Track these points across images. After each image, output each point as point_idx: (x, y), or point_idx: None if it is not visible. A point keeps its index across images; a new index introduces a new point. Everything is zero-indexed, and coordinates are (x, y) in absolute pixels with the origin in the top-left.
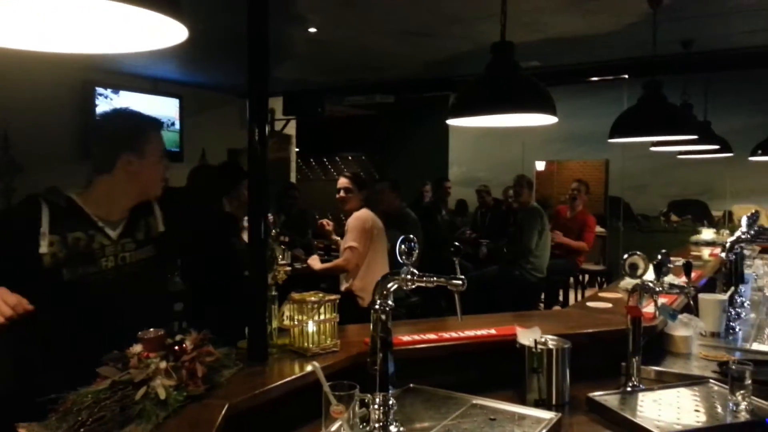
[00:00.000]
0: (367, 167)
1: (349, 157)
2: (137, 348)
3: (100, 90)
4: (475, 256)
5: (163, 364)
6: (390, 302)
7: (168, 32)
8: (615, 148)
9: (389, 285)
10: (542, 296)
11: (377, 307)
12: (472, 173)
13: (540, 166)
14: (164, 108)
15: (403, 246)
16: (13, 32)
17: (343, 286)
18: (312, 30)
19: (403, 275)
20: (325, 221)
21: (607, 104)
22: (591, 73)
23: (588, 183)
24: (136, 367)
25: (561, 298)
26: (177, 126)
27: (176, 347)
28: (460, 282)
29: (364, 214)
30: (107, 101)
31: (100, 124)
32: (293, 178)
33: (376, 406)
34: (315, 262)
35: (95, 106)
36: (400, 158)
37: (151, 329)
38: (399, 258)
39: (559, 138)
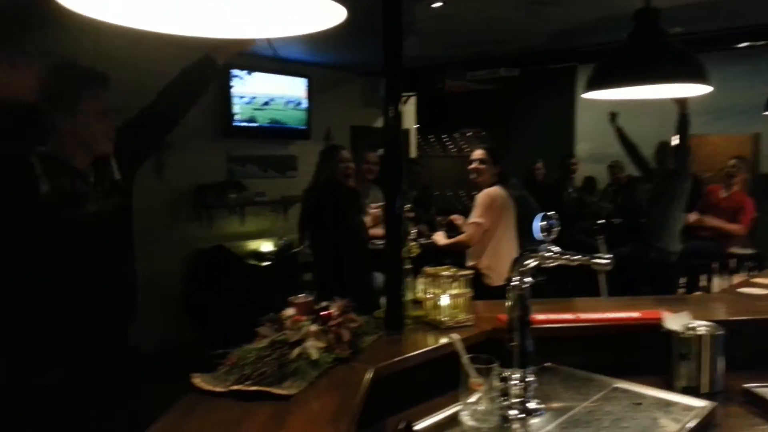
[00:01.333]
0: (487, 143)
1: (469, 134)
2: (290, 311)
3: (235, 72)
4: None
5: (313, 327)
6: (528, 279)
7: (328, 14)
8: (766, 120)
9: (528, 262)
10: (681, 280)
11: (515, 283)
12: (602, 149)
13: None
14: (293, 88)
15: (542, 223)
16: (180, 19)
17: (469, 263)
18: (436, 5)
19: (542, 252)
20: (455, 216)
21: (756, 73)
22: (738, 38)
23: (747, 159)
24: (291, 329)
25: (704, 283)
26: (304, 105)
27: (324, 312)
28: (606, 261)
29: (494, 191)
30: (241, 81)
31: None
32: (413, 155)
33: (514, 382)
34: (440, 237)
35: (231, 86)
36: (522, 134)
37: (301, 295)
38: (538, 235)
39: (700, 111)
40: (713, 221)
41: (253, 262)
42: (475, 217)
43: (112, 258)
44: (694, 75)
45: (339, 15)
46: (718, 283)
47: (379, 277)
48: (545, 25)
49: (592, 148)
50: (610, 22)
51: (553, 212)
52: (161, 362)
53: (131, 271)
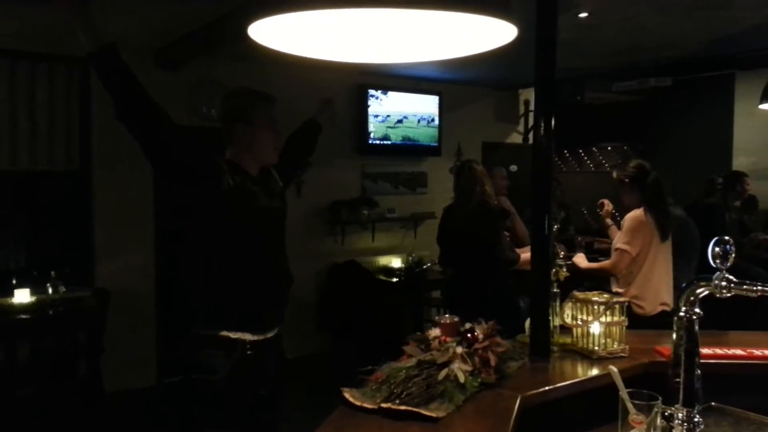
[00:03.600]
0: (629, 158)
1: (609, 148)
2: (436, 331)
3: (371, 92)
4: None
5: (459, 350)
6: (698, 310)
7: (500, 32)
8: None
9: (699, 291)
10: None
11: (683, 314)
12: (765, 164)
13: None
14: (425, 105)
15: (717, 249)
16: (353, 47)
17: (614, 289)
18: (583, 15)
19: (716, 281)
20: (605, 201)
21: None
22: None
23: None
24: (438, 350)
25: None
26: (436, 122)
27: (469, 335)
28: None
29: (640, 213)
30: (378, 101)
31: (222, 104)
32: None
33: (678, 421)
34: (581, 260)
35: (368, 106)
36: (669, 148)
37: (447, 315)
38: (712, 262)
39: None
40: None
41: (383, 277)
42: (620, 242)
43: (273, 250)
44: None
45: (510, 33)
46: None
47: (522, 301)
48: (702, 31)
49: (752, 162)
50: None
51: (728, 237)
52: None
53: (286, 268)
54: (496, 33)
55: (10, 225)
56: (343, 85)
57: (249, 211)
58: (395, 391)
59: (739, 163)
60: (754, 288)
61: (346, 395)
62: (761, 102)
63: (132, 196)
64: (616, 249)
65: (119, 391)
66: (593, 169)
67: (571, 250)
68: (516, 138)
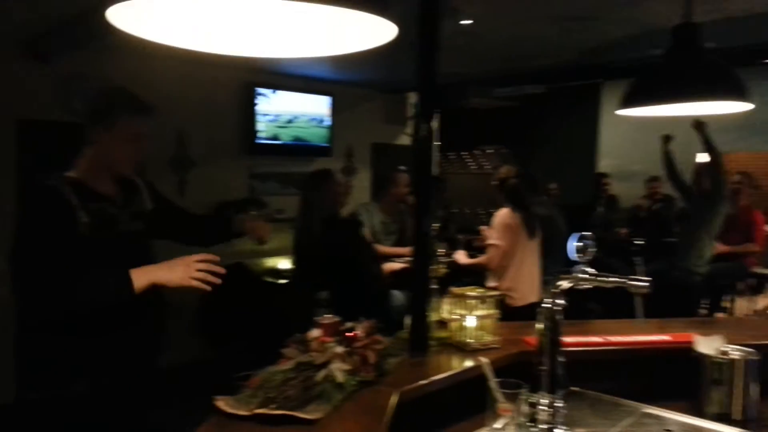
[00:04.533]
0: (510, 161)
1: (490, 151)
2: (316, 332)
3: (259, 90)
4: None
5: (339, 349)
6: (560, 301)
7: (380, 32)
8: None
9: (562, 284)
10: (704, 302)
11: (548, 306)
12: (626, 166)
13: (703, 158)
14: (316, 105)
15: (579, 243)
16: (228, 40)
17: (490, 284)
18: (465, 22)
19: (578, 274)
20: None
21: None
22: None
23: (751, 175)
24: (317, 350)
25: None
26: (327, 122)
27: (349, 334)
28: (644, 284)
29: (506, 211)
30: (267, 100)
31: (89, 101)
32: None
33: (542, 407)
34: (461, 257)
35: (255, 104)
36: (545, 151)
37: (327, 315)
38: (572, 255)
39: (727, 127)
40: (721, 248)
41: (270, 279)
42: (492, 239)
43: None
44: (737, 92)
45: (389, 33)
46: (740, 305)
47: (397, 295)
48: (574, 41)
49: (616, 165)
50: (639, 39)
51: (589, 233)
52: (179, 382)
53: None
54: (377, 31)
55: None
56: (229, 82)
57: (108, 239)
58: (271, 395)
59: (604, 164)
60: (611, 279)
61: (219, 403)
62: (618, 109)
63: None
64: (489, 245)
65: None
66: (476, 170)
67: (453, 248)
68: (405, 140)
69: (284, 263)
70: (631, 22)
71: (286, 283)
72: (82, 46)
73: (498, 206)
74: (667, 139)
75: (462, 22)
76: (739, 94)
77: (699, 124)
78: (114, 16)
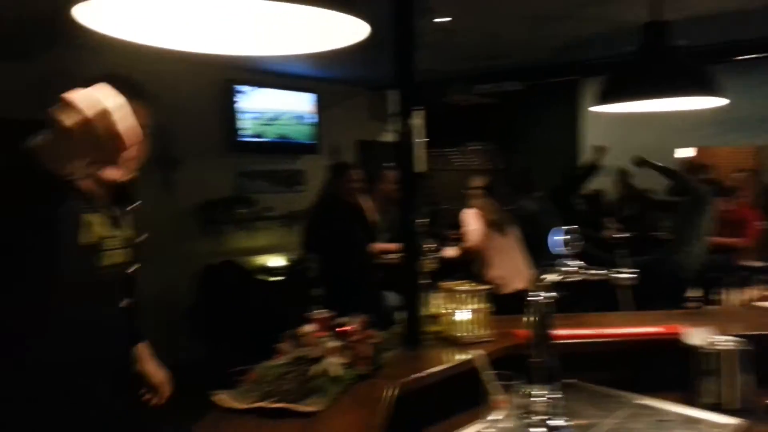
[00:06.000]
0: (492, 157)
1: (474, 147)
2: (309, 327)
3: (239, 87)
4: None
5: (333, 343)
6: (550, 294)
7: (353, 30)
8: None
9: (550, 276)
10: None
11: (537, 298)
12: (609, 161)
13: (683, 153)
14: (301, 103)
15: (564, 237)
16: (201, 37)
17: (482, 273)
18: (442, 20)
19: (565, 267)
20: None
21: (762, 86)
22: (742, 51)
23: (753, 172)
24: (312, 345)
25: (716, 296)
26: (312, 119)
27: (342, 328)
28: (630, 276)
29: (474, 210)
30: (246, 96)
31: None
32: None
33: (538, 399)
34: (450, 251)
35: (234, 102)
36: (527, 147)
37: (321, 311)
38: (556, 249)
39: (704, 123)
40: (715, 240)
41: (262, 277)
42: (465, 226)
43: None
44: (708, 88)
45: (362, 31)
46: (729, 297)
47: (389, 296)
48: (549, 40)
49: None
50: (613, 37)
51: (576, 226)
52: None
53: None
54: (351, 29)
55: None
56: (208, 80)
57: None
58: (268, 389)
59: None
60: (599, 272)
61: (218, 398)
62: (595, 105)
63: None
64: (465, 232)
65: None
66: (461, 167)
67: (442, 244)
68: (390, 137)
69: (275, 260)
70: (602, 21)
71: (279, 280)
72: (61, 43)
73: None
74: (641, 163)
75: (438, 20)
76: (709, 90)
77: (640, 162)
78: (82, 14)
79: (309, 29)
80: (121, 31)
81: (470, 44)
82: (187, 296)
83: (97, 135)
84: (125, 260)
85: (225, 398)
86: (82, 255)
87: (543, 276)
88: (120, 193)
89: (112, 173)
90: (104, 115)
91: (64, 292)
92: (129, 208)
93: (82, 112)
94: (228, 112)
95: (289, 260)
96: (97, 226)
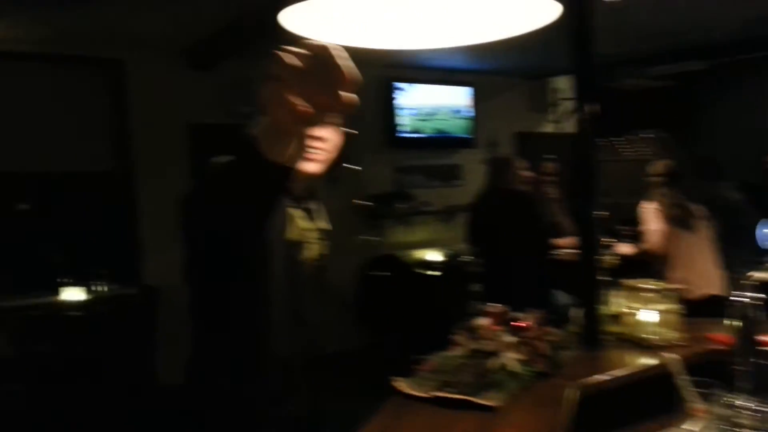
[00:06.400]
0: (666, 146)
1: (646, 136)
2: (484, 320)
3: (398, 84)
4: None
5: (510, 339)
6: (757, 295)
7: (542, 11)
8: None
9: (758, 274)
10: None
11: (743, 299)
12: None
13: None
14: (457, 97)
15: None
16: (388, 34)
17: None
18: None
19: None
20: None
21: None
22: None
23: None
24: (488, 339)
25: None
26: (469, 113)
27: (518, 323)
28: None
29: (655, 204)
30: (405, 94)
31: None
32: None
33: (747, 411)
34: (624, 247)
35: (393, 99)
36: (711, 133)
37: (494, 305)
38: (764, 243)
39: None
40: None
41: (422, 271)
42: (648, 225)
43: None
44: None
45: (552, 11)
46: None
47: (558, 294)
48: (738, 11)
49: None
50: None
51: None
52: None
53: None
54: (539, 11)
55: (51, 224)
56: (367, 78)
57: None
58: (447, 379)
59: None
60: None
61: (399, 384)
62: None
63: (174, 193)
64: (645, 231)
65: (173, 385)
66: (631, 157)
67: (615, 240)
68: (550, 128)
69: (434, 255)
70: None
71: (438, 275)
72: (240, 52)
73: (649, 199)
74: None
75: None
76: None
77: None
78: (284, 19)
79: (495, 14)
80: (310, 32)
81: (644, 22)
82: (353, 287)
83: (317, 65)
84: (320, 253)
85: (404, 385)
86: (288, 249)
87: (749, 274)
88: (311, 186)
89: (323, 139)
90: (323, 48)
91: (274, 288)
92: (348, 170)
93: (299, 51)
94: (387, 109)
95: (446, 255)
96: (299, 220)
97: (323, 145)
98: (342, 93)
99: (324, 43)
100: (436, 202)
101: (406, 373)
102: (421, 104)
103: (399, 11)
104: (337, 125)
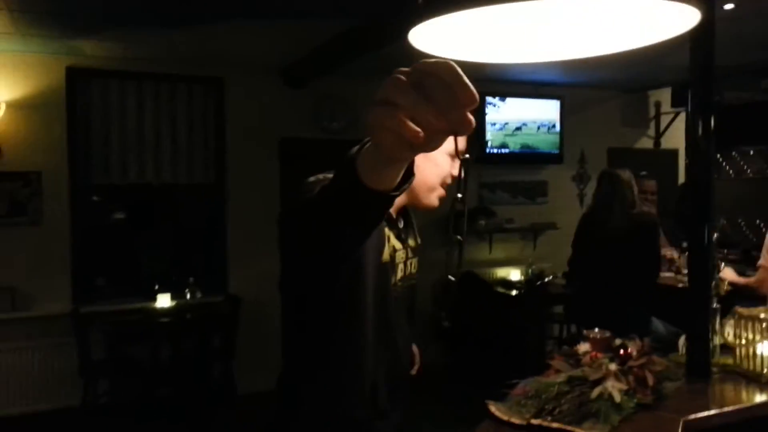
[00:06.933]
0: None
1: (751, 152)
2: (585, 346)
3: (489, 99)
4: None
5: (613, 367)
6: None
7: (682, 17)
8: None
9: None
10: None
11: None
12: None
13: None
14: (545, 111)
15: None
16: (527, 48)
17: None
18: (728, 7)
19: None
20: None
21: None
22: None
23: None
24: (590, 366)
25: None
26: (557, 128)
27: (623, 351)
28: None
29: None
30: (495, 109)
31: None
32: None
33: None
34: (729, 273)
35: (485, 114)
36: None
37: (597, 330)
38: None
39: None
40: None
41: (501, 290)
42: (762, 259)
43: None
44: None
45: (691, 19)
46: None
47: (657, 324)
48: None
49: None
50: None
51: None
52: (417, 381)
53: None
54: (674, 18)
55: (154, 234)
56: None
57: None
58: (546, 407)
59: None
60: None
61: (493, 409)
62: None
63: (262, 206)
64: (759, 266)
65: (250, 394)
66: (733, 175)
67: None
68: (645, 143)
69: (515, 274)
70: None
71: (518, 294)
72: (328, 70)
73: None
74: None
75: (725, 7)
76: None
77: None
78: (413, 36)
79: (627, 23)
80: (438, 50)
81: (757, 32)
82: (432, 303)
83: (437, 85)
84: (411, 272)
85: (499, 410)
86: (383, 271)
87: None
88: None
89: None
90: (447, 67)
91: (367, 307)
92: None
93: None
94: (478, 125)
95: (527, 274)
96: (393, 240)
97: (437, 170)
98: (468, 115)
99: (447, 61)
100: (519, 219)
101: (496, 396)
102: (508, 119)
103: (523, 23)
104: (453, 150)
